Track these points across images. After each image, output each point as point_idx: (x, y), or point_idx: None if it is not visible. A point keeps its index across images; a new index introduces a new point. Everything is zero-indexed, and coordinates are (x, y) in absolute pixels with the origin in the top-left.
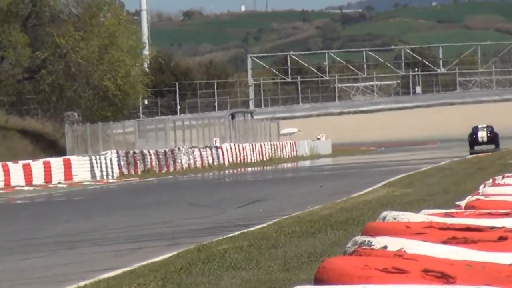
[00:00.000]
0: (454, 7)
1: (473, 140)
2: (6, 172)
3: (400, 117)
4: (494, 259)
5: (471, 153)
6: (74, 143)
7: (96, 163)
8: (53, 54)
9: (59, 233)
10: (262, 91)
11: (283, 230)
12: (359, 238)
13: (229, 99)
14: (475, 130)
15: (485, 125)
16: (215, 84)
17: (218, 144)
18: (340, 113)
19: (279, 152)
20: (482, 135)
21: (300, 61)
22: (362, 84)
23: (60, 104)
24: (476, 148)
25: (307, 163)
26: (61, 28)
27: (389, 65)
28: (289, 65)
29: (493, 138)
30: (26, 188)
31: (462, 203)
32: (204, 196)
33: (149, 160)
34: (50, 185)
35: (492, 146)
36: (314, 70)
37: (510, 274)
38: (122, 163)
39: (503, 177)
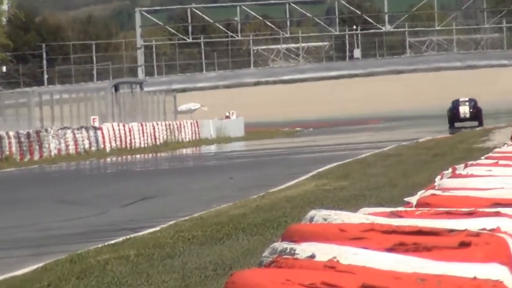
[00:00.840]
0: None
1: (453, 115)
2: None
3: (333, 89)
4: (454, 271)
5: (450, 132)
6: None
7: None
8: None
9: None
10: (154, 55)
11: (181, 235)
12: (279, 245)
13: (111, 66)
14: (455, 104)
15: (467, 99)
16: (94, 46)
17: (97, 124)
18: (256, 84)
19: (176, 135)
20: (464, 110)
21: (205, 16)
22: (284, 46)
23: None
24: (457, 125)
25: (212, 148)
26: None
27: (319, 21)
28: (189, 21)
29: (477, 113)
30: None
31: (413, 200)
32: (79, 192)
33: (7, 144)
34: None
35: (475, 123)
36: (223, 28)
37: None
38: None
39: (465, 166)
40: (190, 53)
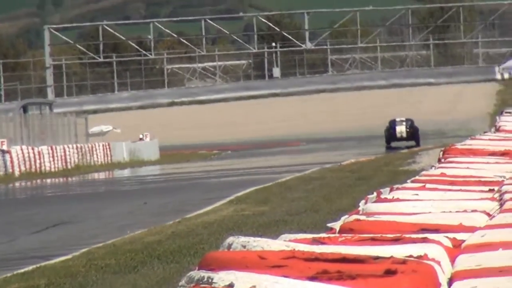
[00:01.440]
0: None
1: (390, 135)
2: None
3: (252, 110)
4: None
5: (387, 149)
6: None
7: None
8: None
9: None
10: (64, 74)
11: (94, 264)
12: (196, 274)
13: (19, 86)
14: (392, 124)
15: (404, 119)
16: (1, 66)
17: (5, 148)
18: (171, 104)
19: (88, 158)
20: (401, 129)
21: (116, 33)
22: (200, 65)
23: None
24: (394, 144)
25: (126, 172)
26: None
27: (236, 38)
28: (101, 39)
29: (413, 133)
30: None
31: (336, 225)
32: None
33: None
34: None
35: (412, 143)
36: (135, 46)
37: None
38: None
39: (391, 190)
40: (101, 73)
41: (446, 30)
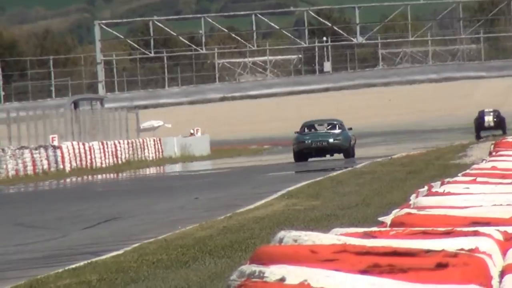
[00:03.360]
0: None
1: (479, 124)
2: None
3: (303, 104)
4: None
5: (477, 139)
6: None
7: None
8: None
9: None
10: (115, 70)
11: (145, 259)
12: (248, 268)
13: (70, 82)
14: (481, 114)
15: (492, 109)
16: (51, 61)
17: (56, 143)
18: (222, 99)
19: (139, 153)
20: (489, 119)
21: (167, 29)
22: (251, 59)
23: None
24: (483, 133)
25: (177, 167)
26: None
27: (287, 33)
28: (151, 34)
29: (500, 122)
30: None
31: (387, 219)
32: (38, 214)
33: None
34: None
35: (500, 131)
36: (186, 42)
37: None
38: None
39: (442, 184)
40: (152, 68)
41: (496, 24)
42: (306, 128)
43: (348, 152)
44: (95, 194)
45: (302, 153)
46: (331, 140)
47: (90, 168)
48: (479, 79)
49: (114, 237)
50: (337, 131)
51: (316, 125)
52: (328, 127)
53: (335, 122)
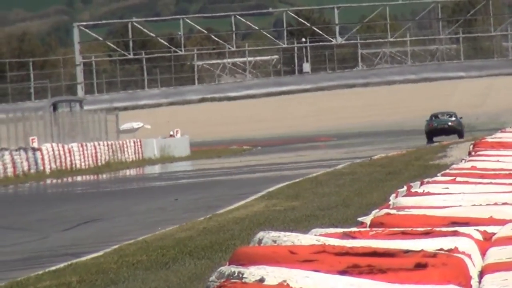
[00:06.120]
0: None
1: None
2: None
3: (282, 105)
4: None
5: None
6: None
7: None
8: None
9: None
10: (94, 72)
11: (125, 260)
12: (227, 269)
13: (49, 84)
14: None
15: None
16: (31, 63)
17: (36, 145)
18: (201, 101)
19: (119, 155)
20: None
21: (146, 30)
22: (230, 60)
23: None
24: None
25: (156, 168)
26: None
27: (266, 34)
28: (130, 36)
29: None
30: None
31: (367, 219)
32: (18, 216)
33: None
34: None
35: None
36: (165, 43)
37: None
38: None
39: (421, 184)
40: (131, 70)
41: (475, 23)
42: (433, 117)
43: (461, 133)
44: (75, 195)
45: (431, 132)
46: (450, 124)
47: (70, 170)
48: (458, 79)
49: (94, 238)
50: (453, 118)
51: (439, 115)
52: (447, 116)
53: (451, 113)
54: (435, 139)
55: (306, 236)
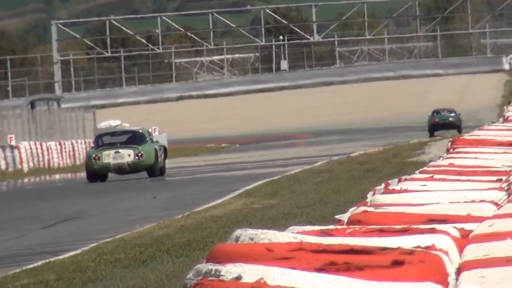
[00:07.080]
0: None
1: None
2: None
3: (260, 103)
4: None
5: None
6: None
7: None
8: None
9: None
10: (72, 70)
11: (103, 258)
12: (204, 266)
13: (27, 82)
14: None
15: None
16: (8, 61)
17: (13, 143)
18: (179, 98)
19: None
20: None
21: (124, 28)
22: (208, 58)
23: None
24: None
25: None
26: None
27: (244, 32)
28: (108, 34)
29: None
30: None
31: (344, 217)
32: None
33: None
34: None
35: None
36: (143, 41)
37: None
38: None
39: (399, 181)
40: (109, 68)
41: (452, 21)
42: (435, 113)
43: (460, 129)
44: (53, 194)
45: (433, 126)
46: (450, 119)
47: (48, 168)
48: (436, 76)
49: (72, 236)
50: (453, 114)
51: (440, 111)
52: (448, 112)
53: (451, 109)
54: (436, 133)
55: (283, 233)
